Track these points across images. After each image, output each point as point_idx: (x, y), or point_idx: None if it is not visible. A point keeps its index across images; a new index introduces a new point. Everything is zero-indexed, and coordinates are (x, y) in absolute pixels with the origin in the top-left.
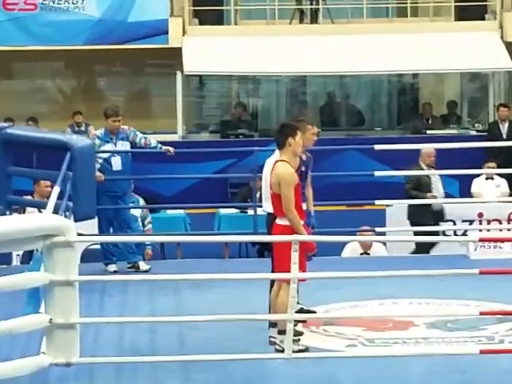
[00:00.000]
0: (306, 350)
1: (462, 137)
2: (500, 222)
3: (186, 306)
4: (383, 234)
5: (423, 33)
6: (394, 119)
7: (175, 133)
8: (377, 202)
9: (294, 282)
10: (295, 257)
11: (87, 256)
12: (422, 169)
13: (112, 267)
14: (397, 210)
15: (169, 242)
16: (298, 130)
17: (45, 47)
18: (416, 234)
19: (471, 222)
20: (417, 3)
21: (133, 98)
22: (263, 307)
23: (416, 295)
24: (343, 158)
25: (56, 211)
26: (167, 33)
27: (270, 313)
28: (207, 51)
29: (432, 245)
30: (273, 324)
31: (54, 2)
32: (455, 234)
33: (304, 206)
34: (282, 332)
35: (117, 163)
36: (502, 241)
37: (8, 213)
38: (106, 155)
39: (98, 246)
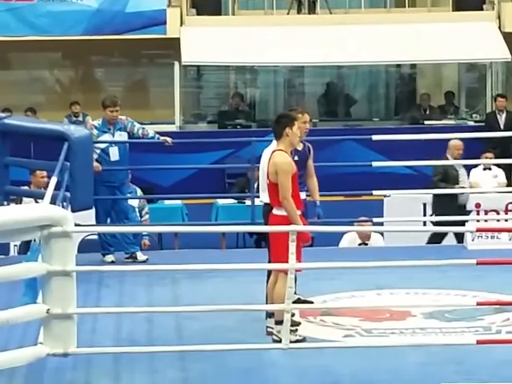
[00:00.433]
0: (304, 340)
1: (460, 127)
2: (497, 213)
3: (184, 297)
4: (381, 224)
5: (421, 23)
6: (392, 110)
7: (173, 123)
8: (374, 192)
9: (292, 272)
10: (292, 247)
11: (84, 246)
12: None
13: (109, 257)
14: (394, 200)
15: (166, 233)
16: (296, 120)
17: (42, 37)
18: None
19: (469, 212)
20: None
21: (130, 88)
22: (260, 297)
23: (413, 285)
24: (341, 148)
25: (53, 201)
26: (165, 23)
27: (267, 303)
28: (205, 41)
29: (444, 235)
30: (270, 314)
31: None
32: None
33: (302, 196)
34: (279, 322)
35: (114, 153)
36: (500, 231)
37: (5, 203)
38: (103, 145)
39: (96, 237)
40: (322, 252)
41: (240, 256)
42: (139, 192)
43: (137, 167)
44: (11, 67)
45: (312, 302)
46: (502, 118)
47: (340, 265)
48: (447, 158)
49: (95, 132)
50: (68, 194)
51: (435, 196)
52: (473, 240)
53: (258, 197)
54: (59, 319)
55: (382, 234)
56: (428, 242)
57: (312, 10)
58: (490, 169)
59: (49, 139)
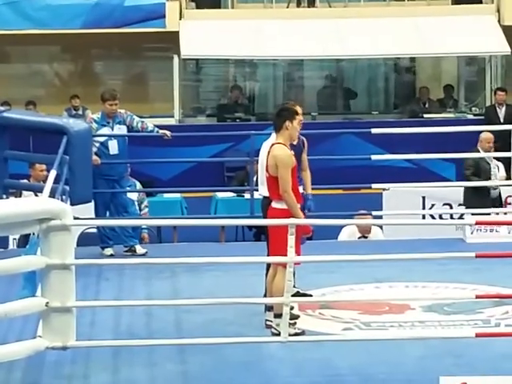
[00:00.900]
0: (302, 333)
1: (459, 120)
2: None
3: (183, 290)
4: (380, 217)
5: (420, 16)
6: (391, 103)
7: (172, 116)
8: (374, 185)
9: (291, 265)
10: (291, 240)
11: (84, 240)
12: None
13: (108, 251)
14: (393, 193)
15: (165, 226)
16: (297, 114)
17: (41, 31)
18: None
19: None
20: None
21: (130, 81)
22: (259, 291)
23: (412, 278)
24: (340, 141)
25: (52, 195)
26: (164, 17)
27: (265, 296)
28: (204, 35)
29: None
30: (269, 307)
31: None
32: (452, 218)
33: (300, 189)
34: (278, 315)
35: (114, 147)
36: (499, 224)
37: (5, 196)
38: (102, 139)
39: (95, 230)
40: (321, 245)
41: (239, 249)
42: (138, 185)
43: (136, 160)
44: (10, 61)
45: (311, 295)
46: (501, 112)
47: (339, 258)
48: (478, 151)
49: (94, 125)
50: (67, 188)
51: (467, 191)
52: (472, 233)
53: (257, 190)
54: (58, 312)
55: (381, 227)
56: None
57: (311, 3)
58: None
59: (48, 133)
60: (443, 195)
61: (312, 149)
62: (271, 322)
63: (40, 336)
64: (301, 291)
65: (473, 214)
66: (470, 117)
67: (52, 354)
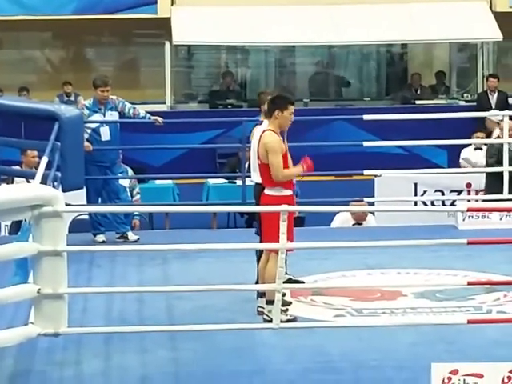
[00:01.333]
0: (294, 320)
1: (451, 107)
2: None
3: (174, 276)
4: (372, 204)
5: (412, 3)
6: (383, 89)
7: (164, 103)
8: (365, 172)
9: (283, 252)
10: (283, 227)
11: (75, 226)
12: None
13: (100, 237)
14: (385, 180)
15: (157, 213)
16: (292, 104)
17: (33, 17)
18: None
19: (459, 192)
20: None
21: (121, 68)
22: (251, 277)
23: (404, 265)
24: (332, 128)
25: (44, 181)
26: (156, 3)
27: (257, 283)
28: (196, 21)
29: None
30: (261, 294)
31: None
32: (443, 204)
33: None
34: (270, 302)
35: (105, 133)
36: (490, 211)
37: None
38: (94, 125)
39: (87, 217)
40: (314, 232)
41: (231, 236)
42: (130, 172)
43: (128, 147)
44: (2, 47)
45: (303, 282)
46: (493, 98)
47: (331, 245)
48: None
49: (86, 112)
50: (59, 174)
51: (489, 176)
52: (464, 220)
53: (249, 177)
54: (50, 299)
55: (373, 213)
56: None
57: None
58: (481, 149)
59: (40, 119)
60: (435, 182)
61: (304, 135)
62: (263, 308)
63: (32, 323)
64: (293, 278)
65: (494, 201)
66: (462, 103)
67: (44, 341)
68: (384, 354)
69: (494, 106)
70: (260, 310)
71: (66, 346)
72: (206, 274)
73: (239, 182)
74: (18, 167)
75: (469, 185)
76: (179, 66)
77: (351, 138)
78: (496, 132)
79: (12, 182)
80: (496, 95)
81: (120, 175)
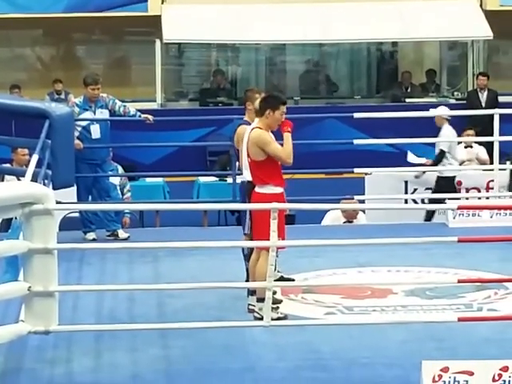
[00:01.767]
0: (285, 317)
1: (441, 105)
2: (479, 191)
3: (165, 274)
4: (362, 202)
5: (403, 1)
6: (373, 87)
7: (154, 101)
8: (356, 170)
9: (273, 249)
10: (274, 225)
11: (66, 224)
12: None
13: (91, 235)
14: (376, 178)
15: (148, 210)
16: (284, 104)
17: (24, 15)
18: None
19: None
20: None
21: (112, 65)
22: (242, 275)
23: (395, 263)
24: (322, 126)
25: (35, 179)
26: (146, 1)
27: (248, 281)
28: (186, 19)
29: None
30: (251, 292)
31: None
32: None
33: None
34: (260, 300)
35: (96, 131)
36: (481, 209)
37: None
38: (84, 123)
39: (77, 214)
40: (304, 230)
41: (222, 234)
42: (120, 170)
43: (118, 145)
44: None
45: (293, 280)
46: (483, 96)
47: (321, 242)
48: None
49: (76, 109)
50: (49, 172)
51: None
52: (454, 218)
53: (240, 174)
54: (40, 297)
55: (363, 211)
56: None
57: None
58: (471, 146)
59: (30, 117)
60: (425, 180)
61: (294, 133)
62: (254, 306)
63: (22, 320)
64: (284, 276)
65: None
66: (452, 101)
67: (34, 339)
68: (375, 352)
69: (483, 105)
70: (251, 307)
71: (56, 343)
72: (197, 272)
73: (230, 180)
74: (8, 165)
75: (459, 183)
76: (170, 64)
77: (342, 136)
78: (445, 128)
79: (2, 180)
80: (486, 93)
81: (110, 173)
